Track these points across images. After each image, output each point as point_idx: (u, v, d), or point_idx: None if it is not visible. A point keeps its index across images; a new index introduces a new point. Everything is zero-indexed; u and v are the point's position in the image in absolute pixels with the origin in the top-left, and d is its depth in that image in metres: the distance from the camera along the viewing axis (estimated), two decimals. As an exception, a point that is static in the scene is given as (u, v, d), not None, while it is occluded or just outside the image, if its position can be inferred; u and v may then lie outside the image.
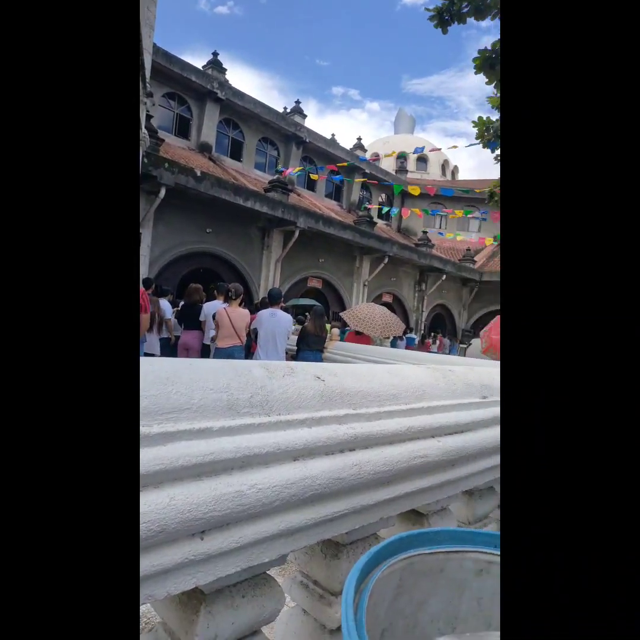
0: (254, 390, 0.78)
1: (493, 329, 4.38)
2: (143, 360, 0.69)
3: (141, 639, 0.92)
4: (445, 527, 0.98)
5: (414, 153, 10.67)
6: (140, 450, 0.60)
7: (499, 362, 3.53)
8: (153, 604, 0.88)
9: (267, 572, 0.90)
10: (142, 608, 1.99)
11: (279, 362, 0.91)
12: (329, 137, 20.43)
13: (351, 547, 1.04)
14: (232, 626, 0.81)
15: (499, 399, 1.35)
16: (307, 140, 18.67)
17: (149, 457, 0.60)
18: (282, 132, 18.31)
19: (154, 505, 0.60)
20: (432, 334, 15.79)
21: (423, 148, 10.09)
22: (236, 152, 17.57)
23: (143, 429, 0.61)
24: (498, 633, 0.70)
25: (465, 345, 12.12)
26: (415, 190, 9.61)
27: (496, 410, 1.29)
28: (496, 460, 1.27)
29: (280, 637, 1.14)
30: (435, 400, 1.11)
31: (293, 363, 0.93)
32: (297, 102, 21.01)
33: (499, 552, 0.71)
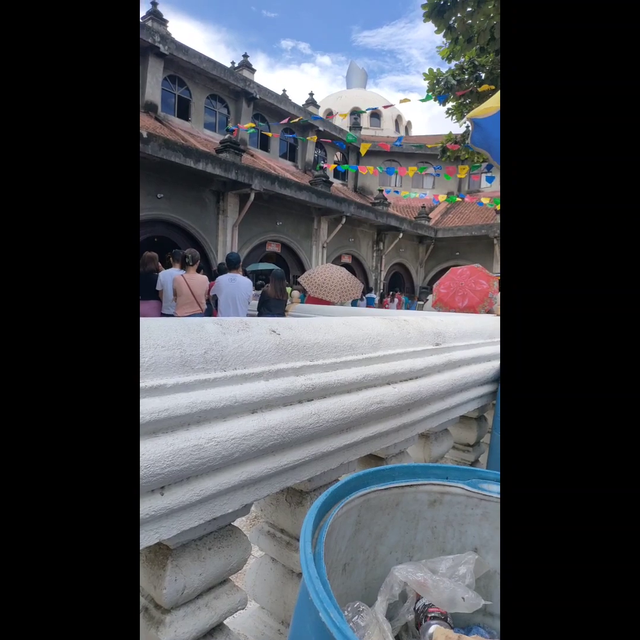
0: (207, 346, 0.77)
1: (442, 283, 4.48)
2: (86, 319, 0.66)
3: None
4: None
5: (367, 111, 10.44)
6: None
7: (449, 313, 3.64)
8: (120, 563, 0.89)
9: (233, 523, 0.92)
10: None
11: (233, 318, 0.90)
12: (280, 93, 19.66)
13: (314, 493, 1.08)
14: (200, 577, 0.83)
15: (450, 345, 1.40)
16: (258, 96, 17.91)
17: (100, 416, 0.59)
18: (231, 88, 17.46)
19: (109, 464, 0.59)
20: (391, 292, 16.03)
21: (376, 108, 9.95)
22: (184, 111, 16.66)
23: (91, 389, 0.60)
24: (451, 557, 0.76)
25: (422, 302, 12.40)
26: (365, 147, 9.51)
27: (448, 356, 1.34)
28: (449, 403, 1.33)
29: (251, 584, 1.18)
30: (391, 348, 1.14)
31: (247, 318, 0.93)
32: (245, 55, 19.94)
33: (450, 483, 0.75)
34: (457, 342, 1.47)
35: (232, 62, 19.83)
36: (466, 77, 8.93)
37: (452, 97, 8.72)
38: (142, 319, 0.78)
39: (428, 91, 9.15)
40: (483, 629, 0.74)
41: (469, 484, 0.75)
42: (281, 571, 1.12)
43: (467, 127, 9.98)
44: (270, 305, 5.27)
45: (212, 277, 6.15)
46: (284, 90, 20.47)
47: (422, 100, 8.70)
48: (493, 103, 2.67)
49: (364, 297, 11.94)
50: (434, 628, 0.66)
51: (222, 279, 5.04)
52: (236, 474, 0.76)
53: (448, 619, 0.69)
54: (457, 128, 9.68)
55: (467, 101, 8.87)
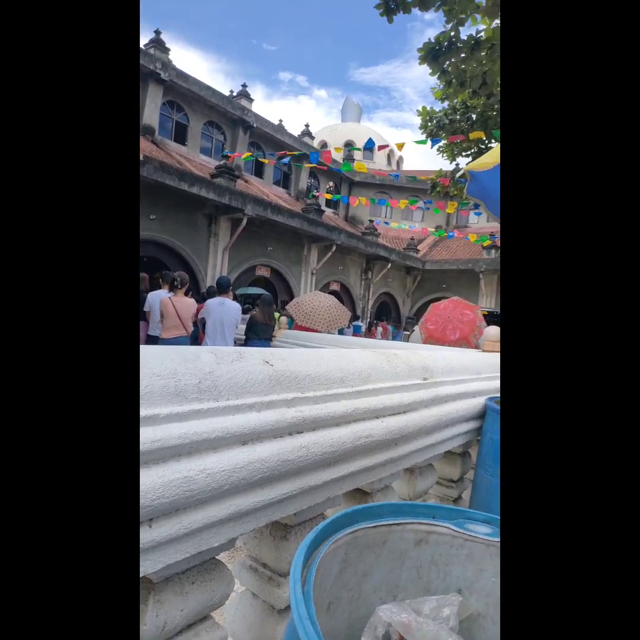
0: (202, 376, 0.78)
1: (428, 320, 4.54)
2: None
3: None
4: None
5: (365, 148, 10.65)
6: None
7: (438, 346, 3.68)
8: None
9: (216, 557, 0.91)
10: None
11: (228, 348, 0.91)
12: (276, 122, 20.14)
13: (299, 528, 1.07)
14: (182, 613, 0.81)
15: (437, 380, 1.42)
16: (254, 125, 18.30)
17: (93, 445, 0.59)
18: (229, 116, 17.83)
19: (99, 494, 0.59)
20: (376, 321, 16.13)
21: (373, 143, 10.10)
22: (181, 136, 16.92)
23: (86, 417, 0.60)
24: (435, 598, 0.75)
25: (408, 333, 12.51)
26: (361, 167, 9.81)
27: (436, 391, 1.36)
28: (435, 438, 1.34)
29: (229, 621, 1.15)
30: (380, 382, 1.16)
31: (242, 348, 0.94)
32: (244, 85, 20.46)
33: (436, 523, 0.76)
34: (444, 377, 1.49)
35: (231, 91, 20.30)
36: (458, 117, 9.35)
37: (444, 136, 9.11)
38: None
39: (420, 127, 9.54)
40: (465, 673, 0.73)
41: (455, 524, 0.76)
42: (261, 607, 1.10)
43: (457, 164, 10.36)
44: (258, 329, 5.28)
45: (200, 299, 6.14)
46: (280, 120, 20.98)
47: (417, 143, 9.01)
48: (489, 158, 2.81)
49: (350, 325, 11.98)
50: (417, 671, 0.65)
51: (212, 302, 5.05)
52: (224, 506, 0.75)
53: (432, 662, 0.68)
54: (447, 165, 10.09)
55: (458, 140, 9.26)
